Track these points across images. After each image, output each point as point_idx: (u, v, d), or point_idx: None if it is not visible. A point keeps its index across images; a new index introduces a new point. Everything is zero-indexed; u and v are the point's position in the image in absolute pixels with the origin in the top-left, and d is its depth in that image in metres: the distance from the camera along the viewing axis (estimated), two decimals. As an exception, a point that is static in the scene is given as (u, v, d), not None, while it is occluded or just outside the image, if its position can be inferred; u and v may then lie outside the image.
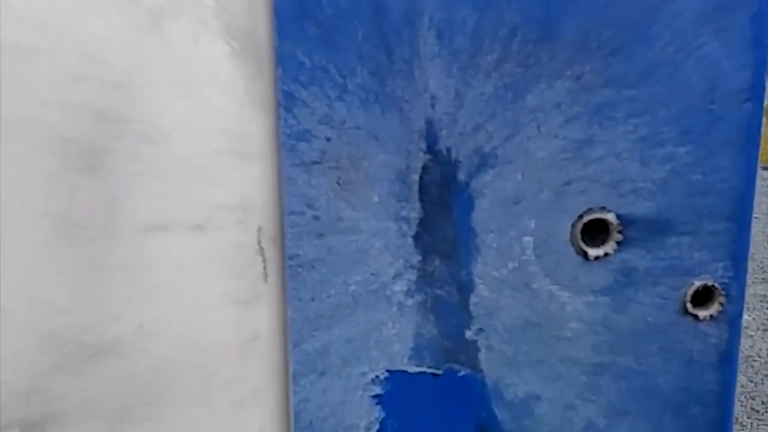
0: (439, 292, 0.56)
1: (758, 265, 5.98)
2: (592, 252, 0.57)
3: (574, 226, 0.56)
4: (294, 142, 0.51)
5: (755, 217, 7.11)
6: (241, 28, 0.50)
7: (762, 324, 5.01)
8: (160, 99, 0.49)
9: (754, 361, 4.58)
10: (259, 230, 0.53)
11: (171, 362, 0.53)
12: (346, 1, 0.51)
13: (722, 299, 0.58)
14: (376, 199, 0.54)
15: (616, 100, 0.54)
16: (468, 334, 0.57)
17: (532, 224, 0.56)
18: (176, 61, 0.49)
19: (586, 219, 0.56)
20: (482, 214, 0.55)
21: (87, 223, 0.49)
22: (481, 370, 0.58)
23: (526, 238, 0.56)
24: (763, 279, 5.62)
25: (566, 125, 0.54)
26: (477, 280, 0.56)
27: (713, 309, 0.59)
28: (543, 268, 0.57)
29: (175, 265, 0.52)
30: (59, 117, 0.48)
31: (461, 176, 0.54)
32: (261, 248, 0.54)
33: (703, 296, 0.59)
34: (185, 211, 0.51)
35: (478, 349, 0.58)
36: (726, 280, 0.58)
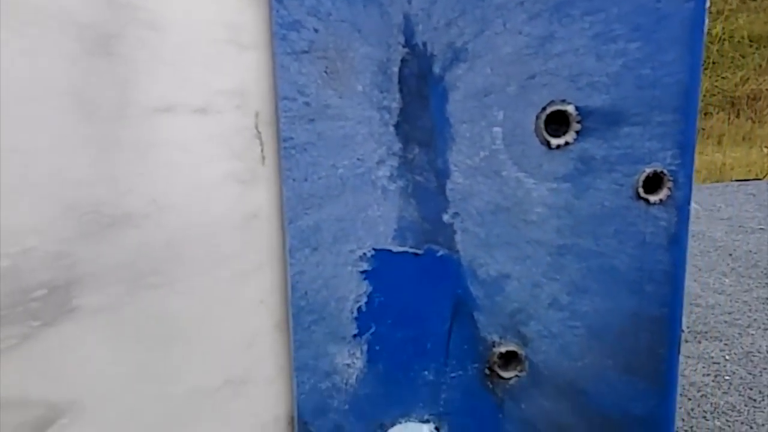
0: (418, 178, 0.59)
1: (762, 271, 6.04)
2: (554, 141, 0.60)
3: (538, 117, 0.59)
4: (285, 32, 0.55)
5: (761, 228, 7.16)
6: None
7: (763, 324, 5.05)
8: (166, 21, 0.53)
9: (753, 356, 4.62)
10: (257, 115, 0.56)
11: (179, 236, 0.56)
12: None
13: (671, 185, 0.61)
14: (360, 88, 0.57)
15: (574, 6, 0.58)
16: (445, 217, 0.60)
17: (501, 116, 0.59)
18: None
19: (548, 110, 0.59)
20: (456, 106, 0.58)
21: (102, 103, 0.53)
22: (457, 251, 0.61)
23: (496, 129, 0.59)
24: (766, 284, 5.67)
25: (529, 22, 0.57)
26: (452, 168, 0.59)
27: (663, 194, 0.61)
28: (511, 157, 0.60)
29: (181, 145, 0.55)
30: (76, 4, 0.51)
31: (436, 69, 0.57)
32: (258, 132, 0.57)
33: (654, 182, 0.61)
34: (188, 95, 0.55)
35: (454, 232, 0.61)
36: (674, 168, 0.61)
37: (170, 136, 0.55)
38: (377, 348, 0.61)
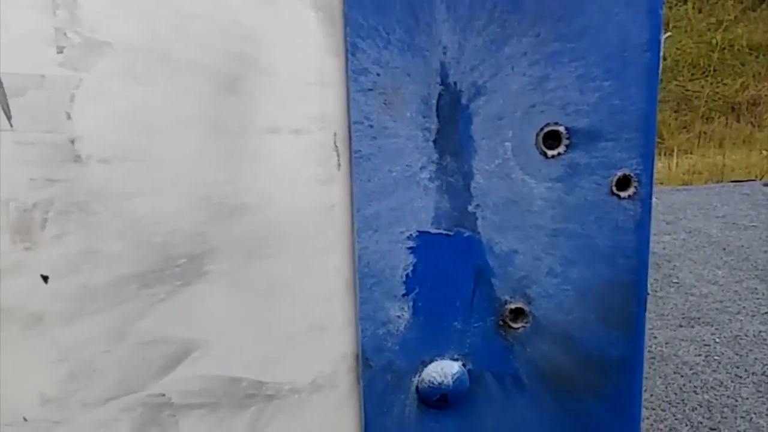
0: (450, 179, 0.77)
1: (752, 264, 6.20)
2: (550, 152, 0.77)
3: (537, 135, 0.76)
4: (357, 76, 0.72)
5: (753, 225, 7.27)
6: (323, 3, 0.71)
7: (751, 311, 5.20)
8: (272, 46, 0.71)
9: (741, 339, 4.78)
10: (335, 134, 0.74)
11: (280, 220, 0.74)
12: (383, 3, 0.72)
13: (636, 184, 0.78)
14: (408, 115, 0.74)
15: (563, 50, 0.75)
16: (469, 208, 0.77)
17: (510, 134, 0.76)
18: (283, 21, 0.70)
19: (545, 130, 0.76)
20: (477, 127, 0.76)
21: (229, 125, 0.71)
22: (478, 233, 0.78)
23: (506, 143, 0.76)
24: (755, 275, 5.82)
25: (530, 67, 0.75)
26: (475, 172, 0.77)
27: (630, 191, 0.78)
28: (518, 164, 0.77)
29: (282, 155, 0.73)
30: (213, 58, 0.69)
31: (463, 101, 0.75)
32: (336, 146, 0.74)
33: (624, 183, 0.78)
34: (288, 121, 0.72)
35: (476, 218, 0.78)
36: (638, 172, 0.78)
37: (275, 149, 0.72)
38: (419, 304, 0.78)
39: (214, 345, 0.75)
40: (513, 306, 0.79)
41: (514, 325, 0.80)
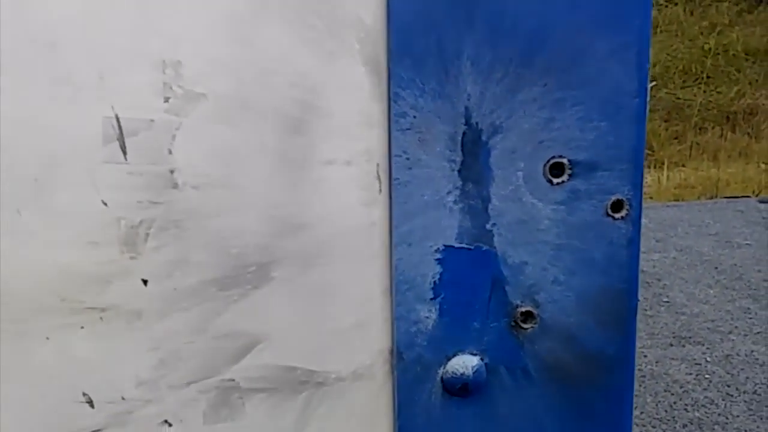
0: (471, 202, 0.91)
1: (745, 284, 6.33)
2: (555, 180, 0.91)
3: (544, 165, 0.91)
4: (397, 118, 0.87)
5: (747, 243, 7.40)
6: (371, 57, 0.86)
7: (743, 330, 5.33)
8: (330, 95, 0.86)
9: (732, 359, 4.92)
10: (377, 165, 0.88)
11: (332, 235, 0.89)
12: (422, 48, 0.87)
13: (628, 207, 0.92)
14: (438, 149, 0.89)
15: (566, 97, 0.89)
16: (487, 226, 0.92)
17: (522, 165, 0.91)
18: (340, 75, 0.85)
19: (551, 162, 0.91)
20: (495, 159, 0.90)
21: (294, 158, 0.86)
22: (494, 248, 0.92)
23: (519, 172, 0.91)
24: (749, 295, 5.95)
25: (539, 111, 0.89)
26: (492, 196, 0.91)
27: (623, 213, 0.92)
28: (528, 190, 0.92)
29: (335, 182, 0.88)
30: (284, 104, 0.84)
31: (483, 138, 0.89)
32: (378, 175, 0.89)
33: (617, 206, 0.92)
34: (341, 154, 0.87)
35: (492, 235, 0.92)
36: (629, 197, 0.92)
37: (330, 177, 0.87)
38: (445, 307, 0.93)
39: (275, 339, 0.89)
40: (523, 309, 0.93)
41: (524, 326, 0.94)
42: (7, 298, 0.81)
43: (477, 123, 0.87)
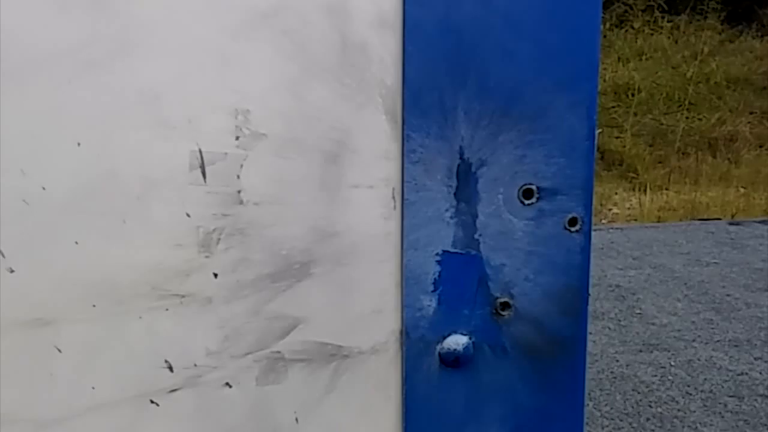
0: (463, 217, 1.16)
1: (710, 298, 6.62)
2: (526, 202, 1.17)
3: (518, 190, 1.16)
4: (409, 154, 1.12)
5: (714, 262, 7.68)
6: (390, 108, 1.12)
7: (705, 339, 5.63)
8: (358, 135, 1.12)
9: (694, 363, 5.23)
10: (393, 189, 1.14)
11: (356, 242, 1.14)
12: (427, 102, 1.13)
13: (581, 223, 1.18)
14: (439, 177, 1.14)
15: (535, 139, 1.15)
16: (475, 236, 1.17)
17: (502, 190, 1.16)
18: (366, 121, 1.11)
19: (523, 188, 1.17)
20: (482, 186, 1.15)
21: (330, 182, 1.11)
22: (480, 252, 1.17)
23: (499, 195, 1.16)
24: (712, 308, 6.24)
25: (515, 149, 1.15)
26: (479, 213, 1.16)
27: (577, 227, 1.18)
28: (506, 209, 1.17)
29: (361, 202, 1.13)
30: (323, 142, 1.10)
31: (473, 169, 1.14)
32: (393, 196, 1.14)
33: (573, 221, 1.17)
34: (366, 180, 1.13)
35: (479, 243, 1.17)
36: (582, 215, 1.17)
37: (357, 197, 1.13)
38: (442, 298, 1.18)
39: (312, 321, 1.14)
40: (502, 300, 1.18)
41: (503, 313, 1.19)
42: (113, 286, 1.06)
43: (468, 158, 1.12)
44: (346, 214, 1.07)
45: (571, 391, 1.19)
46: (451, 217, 1.11)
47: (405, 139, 1.05)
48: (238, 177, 1.04)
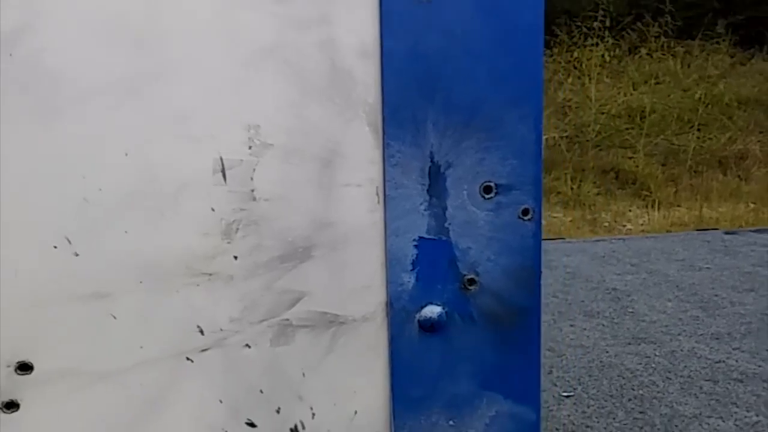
0: (435, 209, 1.39)
1: (699, 298, 6.87)
2: (487, 196, 1.40)
3: (480, 186, 1.40)
4: (389, 158, 1.36)
5: (707, 267, 7.88)
6: (373, 122, 1.36)
7: (689, 333, 5.87)
8: (347, 144, 1.36)
9: (677, 353, 5.53)
10: (377, 187, 1.38)
11: (349, 230, 1.39)
12: (403, 116, 1.38)
13: (533, 212, 1.41)
14: (414, 177, 1.37)
15: (491, 145, 1.39)
16: (445, 224, 1.40)
17: (466, 186, 1.39)
18: (354, 132, 1.36)
19: (484, 185, 1.41)
20: (449, 183, 1.38)
21: (325, 182, 1.36)
22: (450, 238, 1.41)
23: (464, 191, 1.39)
24: (699, 306, 6.49)
25: (475, 153, 1.39)
26: (448, 206, 1.38)
27: (529, 216, 1.41)
28: (470, 202, 1.40)
29: (351, 197, 1.37)
30: (319, 151, 1.35)
31: (442, 170, 1.37)
32: (377, 194, 1.38)
33: (525, 211, 1.40)
34: (354, 180, 1.37)
35: (449, 231, 1.40)
36: (534, 206, 1.40)
37: (348, 194, 1.36)
38: (419, 275, 1.41)
39: (313, 294, 1.38)
40: (469, 277, 1.41)
41: (470, 288, 1.43)
42: (155, 266, 1.31)
43: (437, 161, 1.37)
44: (339, 208, 1.30)
45: (528, 351, 1.42)
46: (425, 210, 1.33)
47: (385, 146, 1.29)
48: (252, 179, 1.28)
